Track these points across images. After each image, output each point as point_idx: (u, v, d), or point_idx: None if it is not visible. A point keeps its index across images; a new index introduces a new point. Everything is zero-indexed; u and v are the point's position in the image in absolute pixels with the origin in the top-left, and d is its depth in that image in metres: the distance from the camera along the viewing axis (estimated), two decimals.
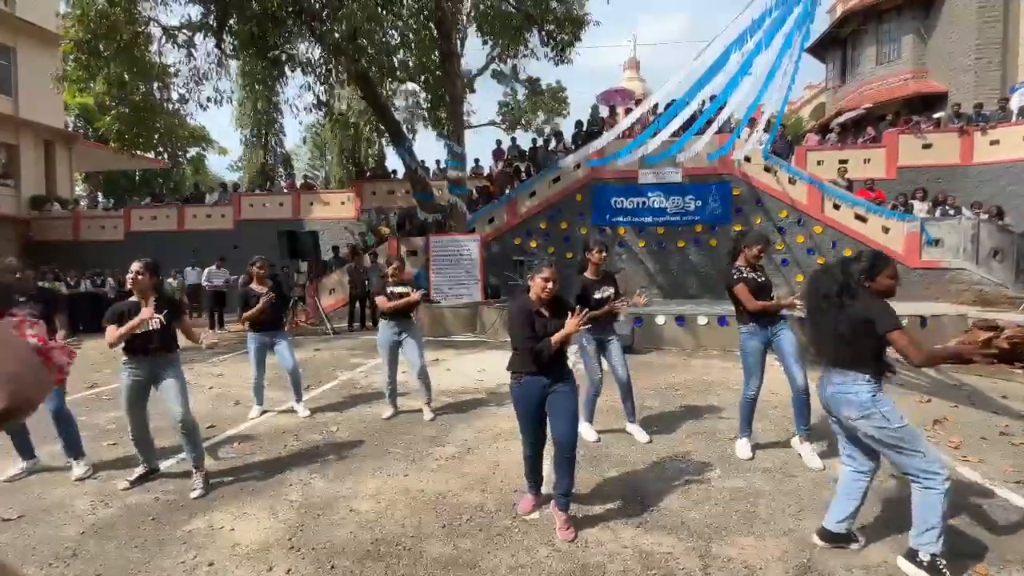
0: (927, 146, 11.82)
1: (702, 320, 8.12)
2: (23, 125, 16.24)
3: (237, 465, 3.69)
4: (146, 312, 3.19)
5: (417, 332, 4.73)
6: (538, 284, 2.72)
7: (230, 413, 4.93)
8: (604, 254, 3.91)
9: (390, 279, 4.66)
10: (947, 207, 10.63)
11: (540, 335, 2.65)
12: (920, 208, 10.82)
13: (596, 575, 2.37)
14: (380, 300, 4.61)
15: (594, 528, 2.76)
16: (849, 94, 18.79)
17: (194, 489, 3.22)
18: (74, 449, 3.53)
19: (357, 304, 11.01)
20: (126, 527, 2.83)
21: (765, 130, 11.25)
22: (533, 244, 11.92)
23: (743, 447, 3.71)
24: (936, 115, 13.00)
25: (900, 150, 11.89)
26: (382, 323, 4.68)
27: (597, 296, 3.81)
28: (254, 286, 4.74)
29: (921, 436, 2.32)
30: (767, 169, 11.18)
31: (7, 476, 3.48)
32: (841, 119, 16.11)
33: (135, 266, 3.26)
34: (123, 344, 3.21)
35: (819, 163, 12.12)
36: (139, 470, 3.43)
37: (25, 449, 3.56)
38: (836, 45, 19.95)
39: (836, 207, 10.78)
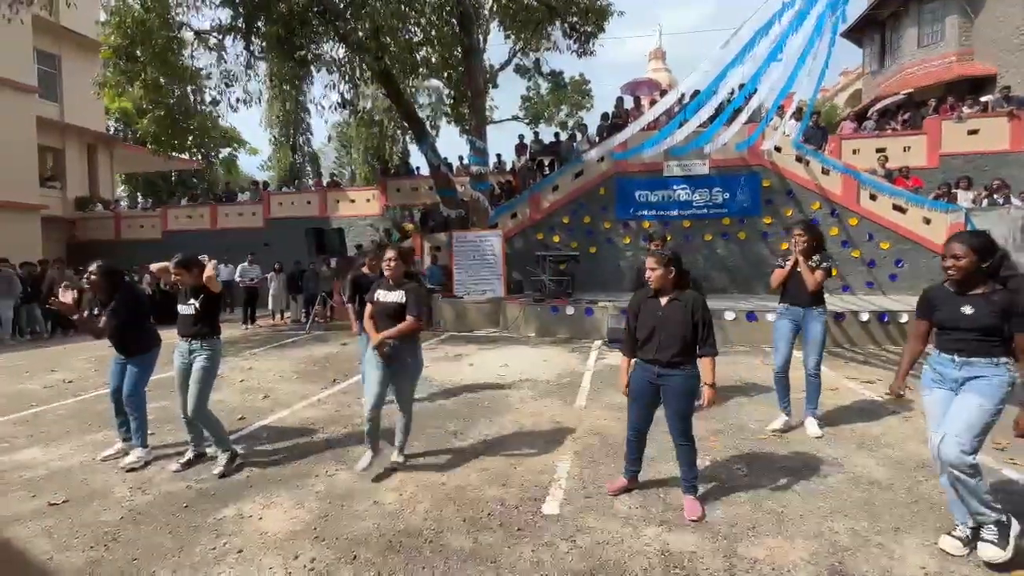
0: (973, 132, 11.20)
1: (730, 315, 7.92)
2: (68, 130, 17.03)
3: (266, 456, 3.80)
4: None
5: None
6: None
7: (260, 406, 5.08)
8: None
9: (388, 279, 3.43)
10: (995, 196, 10.07)
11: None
12: (964, 197, 10.27)
13: (616, 573, 2.34)
14: (367, 312, 3.47)
15: (615, 524, 2.73)
16: (888, 79, 17.94)
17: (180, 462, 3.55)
18: (138, 437, 3.71)
19: None
20: (161, 514, 2.95)
21: (797, 118, 10.86)
22: (556, 239, 11.84)
23: (776, 421, 4.09)
24: (983, 99, 12.29)
25: (943, 137, 11.31)
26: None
27: None
28: (366, 270, 5.07)
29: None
30: (799, 159, 10.79)
31: (103, 456, 3.74)
32: (879, 105, 15.41)
33: (173, 265, 3.53)
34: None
35: (855, 152, 11.63)
36: (189, 454, 3.62)
37: (126, 430, 3.79)
38: (874, 28, 19.05)
39: (873, 198, 10.34)
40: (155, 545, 2.63)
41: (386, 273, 3.44)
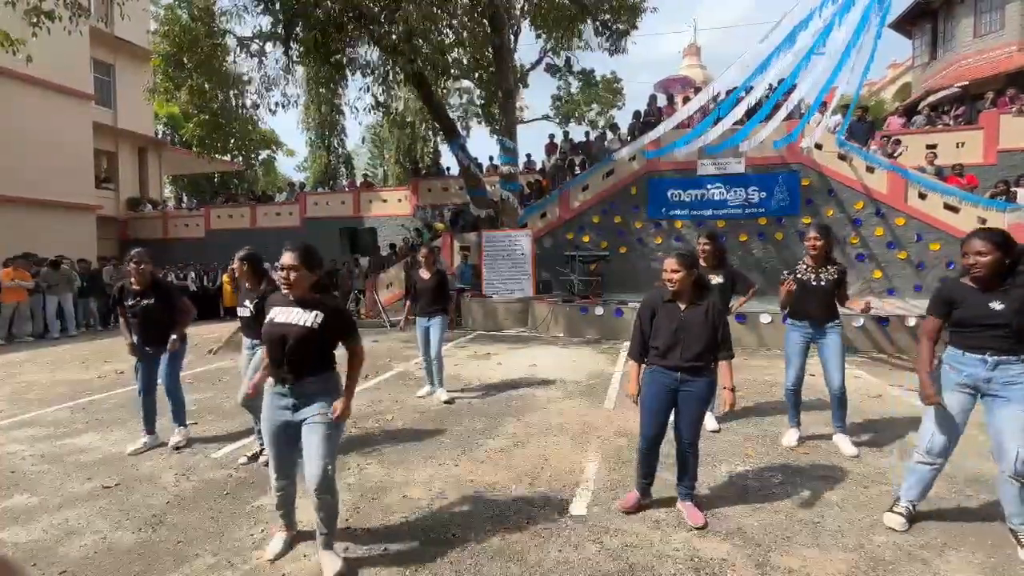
0: None
1: (765, 318, 7.69)
2: (121, 134, 18.02)
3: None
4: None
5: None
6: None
7: None
8: (707, 245, 4.09)
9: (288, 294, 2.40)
10: None
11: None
12: None
13: None
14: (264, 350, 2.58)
15: (643, 528, 2.69)
16: (940, 71, 17.02)
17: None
18: (178, 419, 4.00)
19: None
20: (204, 500, 3.09)
21: (841, 114, 10.44)
22: (586, 239, 11.76)
23: (788, 436, 3.84)
24: None
25: (1001, 131, 10.65)
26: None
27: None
28: (422, 272, 5.17)
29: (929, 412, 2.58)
30: (841, 157, 10.37)
31: (132, 449, 3.91)
32: (931, 99, 14.62)
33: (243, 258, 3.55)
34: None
35: (902, 148, 11.09)
36: (255, 446, 3.69)
37: (150, 425, 4.00)
38: (925, 17, 18.09)
39: (922, 196, 9.83)
40: (199, 529, 2.76)
41: (283, 289, 2.38)
